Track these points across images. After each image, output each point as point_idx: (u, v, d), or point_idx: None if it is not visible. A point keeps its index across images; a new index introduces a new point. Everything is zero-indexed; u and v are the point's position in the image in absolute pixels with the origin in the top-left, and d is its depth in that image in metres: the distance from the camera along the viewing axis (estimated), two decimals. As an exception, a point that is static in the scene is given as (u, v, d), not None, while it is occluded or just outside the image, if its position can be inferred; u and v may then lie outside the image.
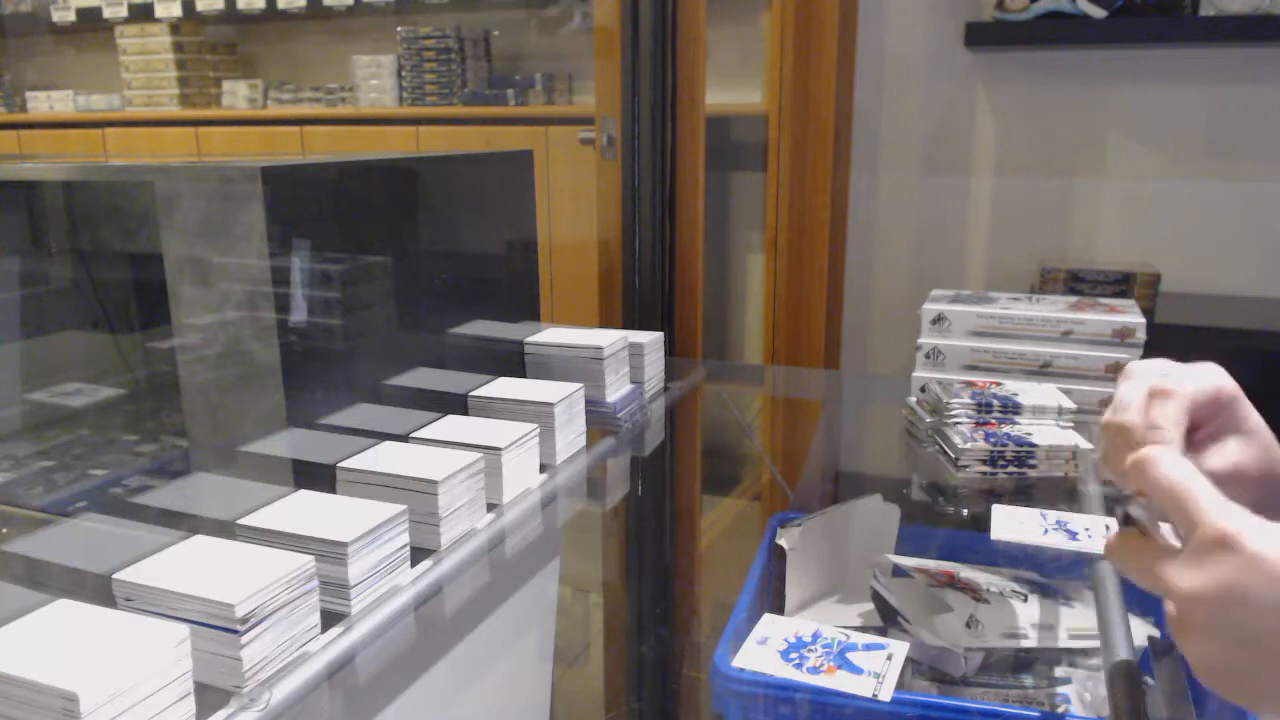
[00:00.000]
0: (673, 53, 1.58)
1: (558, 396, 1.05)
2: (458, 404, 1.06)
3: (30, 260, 1.13)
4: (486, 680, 0.79)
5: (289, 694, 0.65)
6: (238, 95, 3.40)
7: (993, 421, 1.11)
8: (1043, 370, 1.21)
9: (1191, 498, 0.46)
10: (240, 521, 0.76)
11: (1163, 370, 0.57)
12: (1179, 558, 0.46)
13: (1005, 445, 1.06)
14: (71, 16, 3.60)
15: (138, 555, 0.68)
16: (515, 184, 1.22)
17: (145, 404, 1.17)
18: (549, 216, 2.56)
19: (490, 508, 0.93)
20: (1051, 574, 0.82)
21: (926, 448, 1.15)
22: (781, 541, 0.83)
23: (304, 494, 0.82)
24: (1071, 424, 1.11)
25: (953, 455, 1.08)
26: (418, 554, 0.82)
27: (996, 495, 1.02)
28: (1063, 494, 1.00)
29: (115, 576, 0.66)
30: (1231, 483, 0.52)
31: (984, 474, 1.06)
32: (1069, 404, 1.12)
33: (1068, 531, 0.82)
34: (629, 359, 1.23)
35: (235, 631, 0.62)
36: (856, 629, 0.71)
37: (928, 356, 1.25)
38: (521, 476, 0.97)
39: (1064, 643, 0.72)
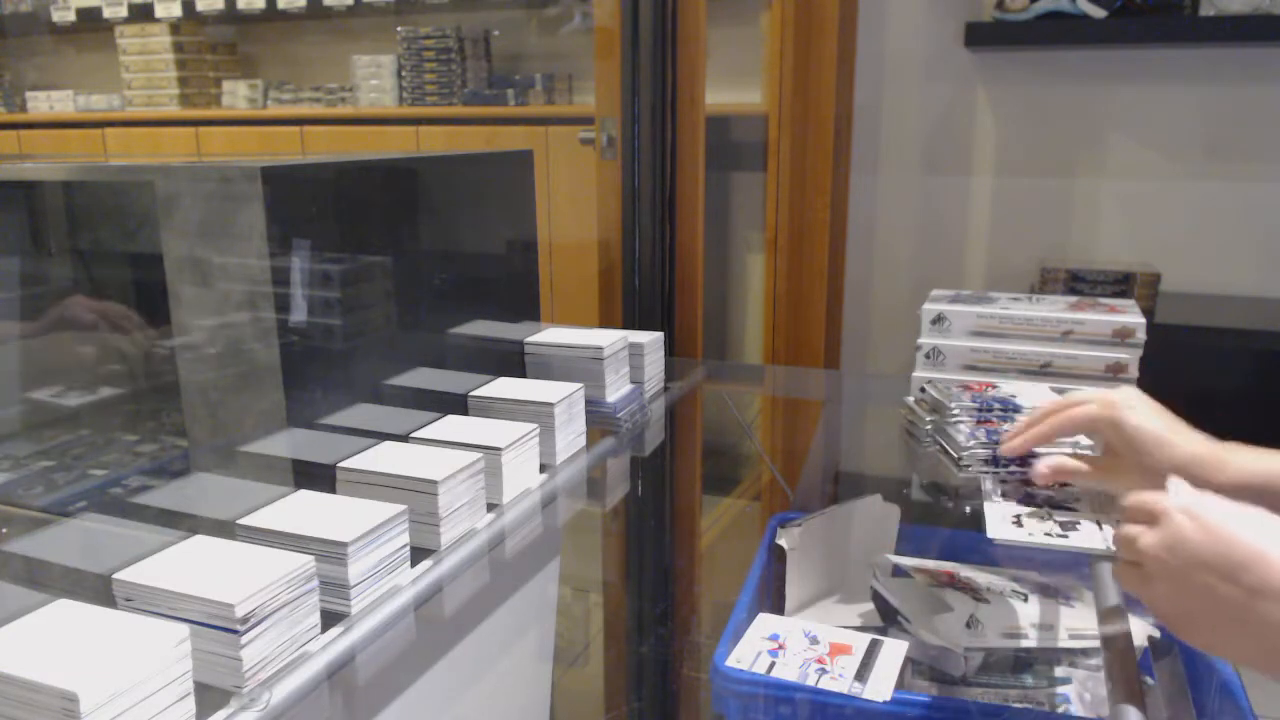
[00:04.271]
0: (673, 53, 1.58)
1: (558, 396, 1.05)
2: (458, 404, 1.06)
3: (30, 260, 1.13)
4: (486, 680, 0.79)
5: (289, 694, 0.65)
6: (238, 95, 3.40)
7: (994, 420, 1.11)
8: (1043, 370, 1.21)
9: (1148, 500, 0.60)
10: (240, 521, 0.76)
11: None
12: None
13: (1005, 445, 1.06)
14: (71, 16, 3.60)
15: (138, 555, 0.68)
16: (515, 184, 1.22)
17: (145, 404, 1.17)
18: (549, 216, 2.56)
19: (490, 508, 0.93)
20: (1051, 574, 0.81)
21: (926, 447, 1.15)
22: (781, 541, 0.83)
23: (304, 494, 0.82)
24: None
25: (955, 455, 1.08)
26: (418, 554, 0.82)
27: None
28: (1062, 493, 1.00)
29: (115, 576, 0.66)
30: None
31: (985, 474, 1.06)
32: (1069, 404, 1.12)
33: (1066, 531, 0.82)
34: (629, 359, 1.23)
35: (235, 631, 0.62)
36: (856, 629, 0.71)
37: (928, 356, 1.25)
38: (521, 476, 0.97)
39: (1064, 643, 0.72)
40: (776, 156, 2.06)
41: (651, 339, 1.28)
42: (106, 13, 3.52)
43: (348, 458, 0.88)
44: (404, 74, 3.11)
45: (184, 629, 0.59)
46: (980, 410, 1.12)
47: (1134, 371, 1.18)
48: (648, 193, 1.60)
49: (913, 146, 2.29)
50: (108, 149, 3.42)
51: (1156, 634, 0.74)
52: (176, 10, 3.38)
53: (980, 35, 2.08)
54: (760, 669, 0.64)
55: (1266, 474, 0.68)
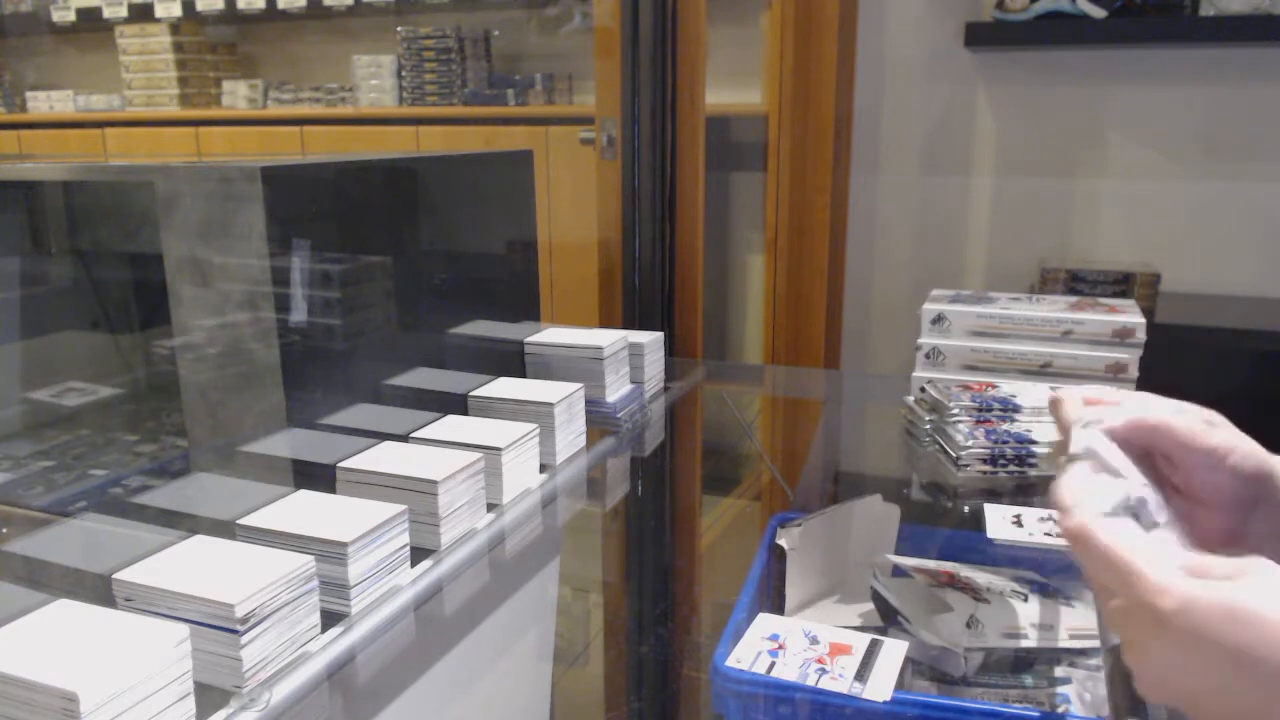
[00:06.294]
0: (673, 53, 1.58)
1: (558, 396, 1.05)
2: (458, 404, 1.06)
3: (30, 260, 1.13)
4: (486, 680, 0.79)
5: (289, 694, 0.65)
6: (238, 95, 3.40)
7: (993, 420, 1.11)
8: (1043, 370, 1.21)
9: (1125, 564, 0.45)
10: (240, 521, 0.76)
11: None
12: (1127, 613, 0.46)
13: (1006, 443, 1.06)
14: (71, 16, 3.60)
15: (138, 555, 0.68)
16: (515, 184, 1.22)
17: (145, 404, 1.17)
18: (549, 216, 2.56)
19: (490, 508, 0.93)
20: (1051, 574, 0.81)
21: (926, 447, 1.15)
22: (781, 541, 0.83)
23: (304, 494, 0.82)
24: (1071, 424, 1.10)
25: (953, 454, 1.08)
26: (418, 554, 0.82)
27: (996, 494, 1.02)
28: None
29: (115, 576, 0.66)
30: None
31: (984, 473, 1.06)
32: (1069, 404, 1.12)
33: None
34: (629, 359, 1.23)
35: (235, 631, 0.63)
36: (856, 629, 0.71)
37: (928, 356, 1.25)
38: (521, 476, 0.97)
39: (1064, 643, 0.72)
40: (776, 156, 2.06)
41: (651, 339, 1.28)
42: (106, 13, 3.52)
43: (348, 458, 0.88)
44: (404, 74, 3.11)
45: (184, 629, 0.59)
46: (980, 410, 1.12)
47: (1134, 371, 1.18)
48: (648, 193, 1.60)
49: (913, 146, 2.29)
50: (108, 149, 3.42)
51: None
52: (176, 10, 3.38)
53: (980, 35, 2.08)
54: (760, 669, 0.64)
55: None
